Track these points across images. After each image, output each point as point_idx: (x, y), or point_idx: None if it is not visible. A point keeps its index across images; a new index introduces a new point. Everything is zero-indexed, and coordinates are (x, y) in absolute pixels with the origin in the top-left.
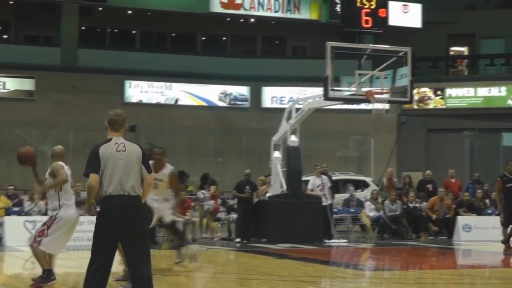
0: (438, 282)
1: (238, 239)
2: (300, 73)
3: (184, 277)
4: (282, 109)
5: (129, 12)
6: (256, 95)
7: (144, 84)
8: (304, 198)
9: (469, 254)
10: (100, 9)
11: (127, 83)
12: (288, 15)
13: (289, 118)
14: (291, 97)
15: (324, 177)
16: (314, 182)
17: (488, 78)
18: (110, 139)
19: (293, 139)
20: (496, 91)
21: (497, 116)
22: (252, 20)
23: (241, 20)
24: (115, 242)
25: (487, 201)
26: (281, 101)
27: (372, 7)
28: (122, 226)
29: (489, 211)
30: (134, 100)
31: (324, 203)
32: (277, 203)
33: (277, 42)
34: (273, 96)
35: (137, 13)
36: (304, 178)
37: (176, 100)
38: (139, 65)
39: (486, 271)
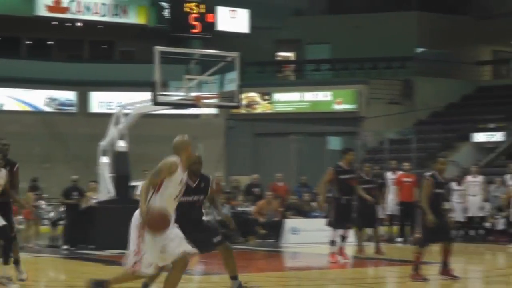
0: (265, 285)
1: (65, 246)
2: (128, 77)
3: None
4: (110, 114)
5: None
6: (83, 100)
7: None
8: (132, 203)
9: (296, 256)
10: None
11: None
12: (116, 19)
13: (117, 123)
14: (119, 102)
15: None
16: None
17: (314, 83)
18: None
19: (121, 144)
20: (322, 96)
21: (322, 120)
22: (79, 24)
23: (68, 24)
24: None
25: (314, 204)
26: (109, 106)
27: (201, 12)
28: None
29: (316, 214)
30: None
31: None
32: (105, 209)
33: (104, 46)
34: (100, 101)
35: None
36: (133, 183)
37: (1, 106)
38: None
39: (313, 272)
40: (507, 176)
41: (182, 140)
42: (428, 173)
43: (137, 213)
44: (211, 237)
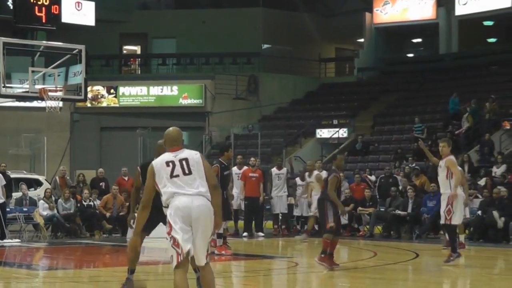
0: (111, 280)
1: None
2: None
3: None
4: None
5: None
6: None
7: None
8: None
9: (142, 251)
10: None
11: None
12: None
13: None
14: None
15: None
16: None
17: (160, 78)
18: None
19: None
20: (168, 90)
21: (169, 114)
22: None
23: None
24: None
25: None
26: None
27: (46, 3)
28: None
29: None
30: None
31: None
32: None
33: None
34: None
35: None
36: None
37: None
38: None
39: (160, 267)
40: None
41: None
42: (332, 169)
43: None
44: None
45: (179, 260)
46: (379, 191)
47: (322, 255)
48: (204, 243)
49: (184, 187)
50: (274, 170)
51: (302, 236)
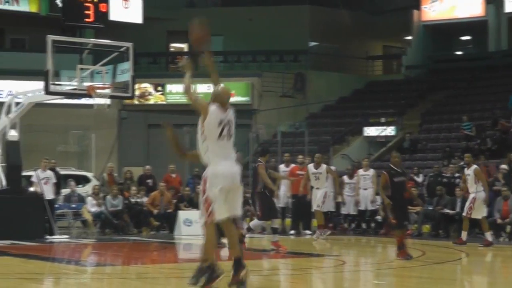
0: (159, 276)
1: None
2: (20, 66)
3: None
4: (1, 103)
5: None
6: None
7: None
8: (25, 193)
9: (189, 248)
10: None
11: None
12: (6, 7)
13: (8, 112)
14: (10, 91)
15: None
16: (38, 175)
17: (207, 75)
18: None
19: (13, 134)
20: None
21: None
22: None
23: None
24: None
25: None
26: (0, 95)
27: (94, 1)
28: None
29: None
30: None
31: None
32: None
33: None
34: None
35: None
36: (25, 173)
37: None
38: None
39: None
40: None
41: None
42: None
43: (204, 175)
44: None
45: None
46: (428, 190)
47: (399, 251)
48: None
49: None
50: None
51: (317, 234)
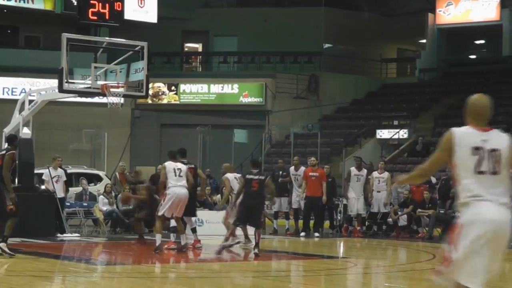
0: (168, 276)
1: None
2: (33, 64)
3: None
4: (15, 101)
5: None
6: None
7: None
8: (36, 191)
9: (200, 248)
10: None
11: None
12: (21, 4)
13: (22, 109)
14: (24, 89)
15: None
16: (50, 173)
17: (221, 75)
18: None
19: (26, 131)
20: (229, 88)
21: (229, 112)
22: None
23: None
24: None
25: (218, 196)
26: (13, 92)
27: (109, 0)
28: None
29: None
30: None
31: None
32: None
33: (9, 31)
34: (4, 86)
35: None
36: (37, 171)
37: None
38: None
39: (214, 265)
40: None
41: None
42: None
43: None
44: None
45: None
46: (440, 193)
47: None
48: None
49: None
50: (354, 170)
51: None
